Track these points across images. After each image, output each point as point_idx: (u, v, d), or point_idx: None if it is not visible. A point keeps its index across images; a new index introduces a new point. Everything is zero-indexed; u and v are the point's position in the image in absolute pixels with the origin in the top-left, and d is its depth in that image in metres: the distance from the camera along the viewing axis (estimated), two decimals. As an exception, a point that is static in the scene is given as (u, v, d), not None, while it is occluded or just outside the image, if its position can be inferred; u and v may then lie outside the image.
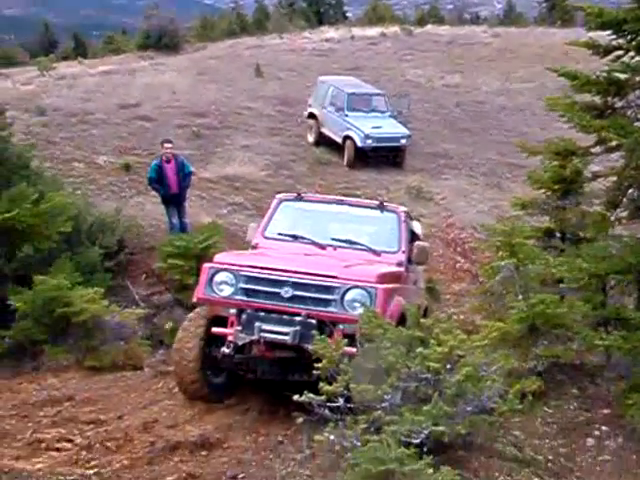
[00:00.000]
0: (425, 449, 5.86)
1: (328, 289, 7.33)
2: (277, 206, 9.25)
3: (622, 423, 7.47)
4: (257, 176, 18.83)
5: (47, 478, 6.28)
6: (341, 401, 6.46)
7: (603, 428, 7.46)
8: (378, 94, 21.77)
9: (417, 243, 9.09)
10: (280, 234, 8.86)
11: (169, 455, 6.84)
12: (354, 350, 6.71)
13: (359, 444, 6.18)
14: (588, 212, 11.64)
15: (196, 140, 19.79)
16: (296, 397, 6.46)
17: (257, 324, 7.30)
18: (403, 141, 20.42)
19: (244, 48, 30.05)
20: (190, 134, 19.92)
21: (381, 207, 9.27)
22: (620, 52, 8.56)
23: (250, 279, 7.51)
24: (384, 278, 7.74)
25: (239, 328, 7.39)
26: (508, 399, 6.55)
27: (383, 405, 6.31)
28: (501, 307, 9.10)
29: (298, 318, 7.26)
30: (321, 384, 6.41)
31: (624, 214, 9.22)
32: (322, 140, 21.22)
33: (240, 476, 6.43)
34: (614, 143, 8.48)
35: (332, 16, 43.16)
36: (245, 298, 7.48)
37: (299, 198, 9.39)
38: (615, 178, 8.98)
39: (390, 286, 7.70)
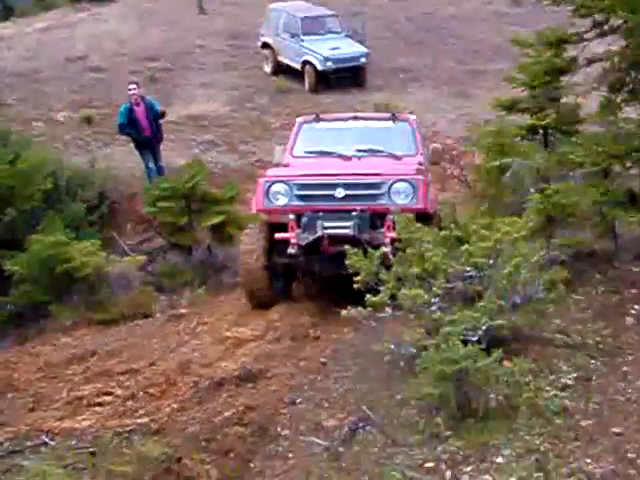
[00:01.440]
0: (483, 345, 5.75)
1: (376, 185, 8.37)
2: (299, 128, 10.04)
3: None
4: (221, 112, 18.36)
5: (103, 432, 6.07)
6: (389, 311, 6.33)
7: (636, 307, 7.45)
8: (331, 15, 21.23)
9: (431, 145, 10.16)
10: (307, 152, 9.66)
11: (216, 392, 6.71)
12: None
13: (414, 350, 6.10)
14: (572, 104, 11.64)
15: (153, 84, 19.08)
16: (344, 312, 6.37)
17: (319, 223, 8.13)
18: (362, 59, 20.01)
19: (180, -14, 28.97)
20: (145, 79, 19.12)
21: (393, 118, 10.15)
22: None
23: (304, 186, 8.46)
24: (421, 172, 8.83)
25: (300, 231, 8.24)
26: (555, 288, 6.48)
27: (432, 308, 6.19)
28: (513, 203, 8.99)
29: (354, 213, 8.13)
30: (367, 296, 6.27)
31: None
32: (280, 68, 20.71)
33: (298, 401, 6.29)
34: (611, 24, 8.33)
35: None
36: (302, 203, 8.40)
37: (318, 119, 10.16)
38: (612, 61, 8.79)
39: (427, 178, 8.87)
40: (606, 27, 8.47)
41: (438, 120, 18.12)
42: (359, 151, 9.44)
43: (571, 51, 9.47)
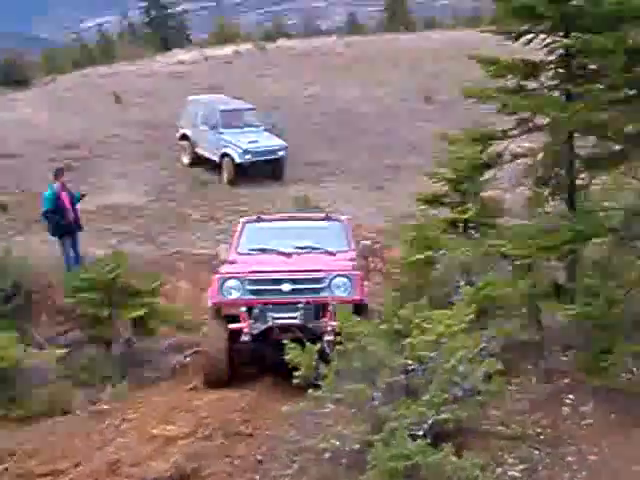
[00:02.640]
0: (429, 439, 5.67)
1: (319, 280, 9.36)
2: (243, 228, 11.02)
3: (586, 390, 7.60)
4: (139, 203, 18.18)
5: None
6: (331, 406, 6.19)
7: (570, 396, 7.58)
8: (249, 108, 21.52)
9: (362, 242, 11.24)
10: (251, 249, 10.56)
11: (149, 493, 6.32)
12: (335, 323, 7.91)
13: (357, 446, 5.96)
14: (492, 200, 12.00)
15: (70, 173, 18.68)
16: (284, 408, 6.25)
17: (269, 314, 9.15)
18: (281, 153, 20.26)
19: (97, 77, 28.96)
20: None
21: (327, 218, 11.38)
22: (530, 35, 8.70)
23: (254, 282, 9.41)
24: (355, 268, 9.87)
25: (252, 321, 9.17)
26: (493, 380, 6.49)
27: (374, 403, 6.10)
28: (443, 295, 9.06)
29: (299, 305, 9.13)
30: (309, 391, 6.14)
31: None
32: (198, 160, 20.73)
33: (238, 501, 6.01)
34: (535, 122, 8.69)
35: (176, 41, 42.54)
36: (253, 297, 9.34)
37: (259, 219, 11.28)
38: (535, 158, 9.13)
39: (361, 273, 9.81)
40: (530, 125, 8.78)
41: (357, 213, 18.31)
42: (297, 248, 10.35)
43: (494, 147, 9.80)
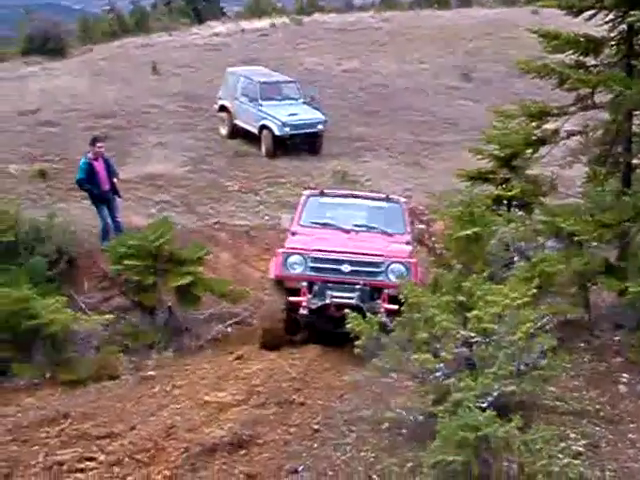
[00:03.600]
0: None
1: (376, 264, 9.79)
2: (306, 201, 11.37)
3: (639, 369, 7.54)
4: (178, 173, 18.14)
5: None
6: (394, 376, 6.17)
7: (625, 375, 7.53)
8: (290, 81, 21.38)
9: (416, 225, 11.83)
10: (312, 222, 10.98)
11: (209, 459, 6.39)
12: (396, 307, 8.22)
13: (421, 418, 5.94)
14: (540, 178, 11.87)
15: (108, 141, 18.72)
16: (348, 378, 6.23)
17: (328, 292, 9.60)
18: (320, 126, 20.13)
19: (134, 47, 28.96)
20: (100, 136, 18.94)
21: (387, 199, 11.58)
22: (593, 11, 8.56)
23: (317, 259, 9.81)
24: (412, 254, 10.39)
25: (310, 296, 9.64)
26: (558, 355, 6.43)
27: (437, 374, 6.06)
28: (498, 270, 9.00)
29: (357, 286, 9.58)
30: (373, 360, 6.12)
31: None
32: (236, 132, 20.64)
33: (300, 469, 6.02)
34: (594, 100, 8.57)
35: (209, 12, 42.36)
36: (314, 274, 9.77)
37: (322, 194, 11.56)
38: (591, 135, 9.01)
39: (416, 260, 10.21)
40: (589, 102, 8.65)
41: (395, 189, 18.22)
42: (356, 226, 10.84)
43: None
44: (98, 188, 13.54)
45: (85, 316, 10.20)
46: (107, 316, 10.39)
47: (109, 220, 13.67)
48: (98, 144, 13.63)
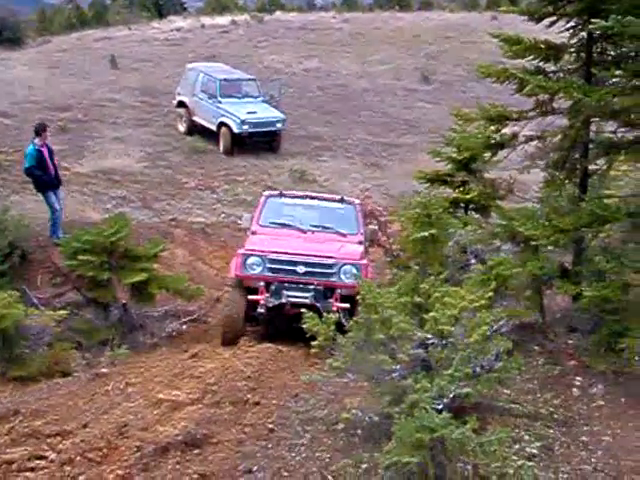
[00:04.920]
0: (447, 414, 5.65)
1: (330, 266, 10.35)
2: (265, 201, 11.82)
3: (593, 372, 7.66)
4: (135, 168, 18.00)
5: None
6: (350, 376, 6.16)
7: (578, 378, 7.62)
8: (250, 79, 21.33)
9: (369, 226, 12.32)
10: (271, 222, 11.45)
11: (162, 458, 6.31)
12: (347, 305, 9.81)
13: (376, 419, 5.94)
14: (497, 181, 11.97)
15: (63, 134, 18.66)
16: (303, 377, 6.21)
17: (284, 292, 10.18)
18: (279, 125, 20.12)
19: (92, 40, 28.63)
20: (56, 129, 18.68)
21: (342, 200, 12.01)
22: (554, 18, 8.65)
23: (274, 261, 10.35)
24: (363, 255, 10.91)
25: (268, 295, 10.18)
26: (513, 357, 6.48)
27: (394, 375, 6.07)
28: (454, 273, 9.06)
29: (311, 286, 10.20)
30: (328, 361, 6.11)
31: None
32: (194, 128, 20.54)
33: (254, 469, 5.98)
34: (553, 106, 8.66)
35: (170, 7, 42.06)
36: (271, 274, 10.32)
37: (281, 195, 12.04)
38: (549, 140, 9.09)
39: (367, 261, 10.82)
40: (548, 107, 8.74)
41: (353, 189, 18.28)
42: (312, 226, 11.38)
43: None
44: (48, 174, 13.53)
45: (38, 311, 10.03)
46: (60, 312, 10.21)
47: (57, 206, 13.57)
48: (46, 131, 13.67)
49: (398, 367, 6.06)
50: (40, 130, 13.72)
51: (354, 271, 10.16)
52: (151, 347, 10.94)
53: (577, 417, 6.68)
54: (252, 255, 10.46)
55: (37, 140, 13.55)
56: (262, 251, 10.50)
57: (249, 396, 7.71)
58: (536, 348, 8.39)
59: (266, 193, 12.31)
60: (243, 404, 7.50)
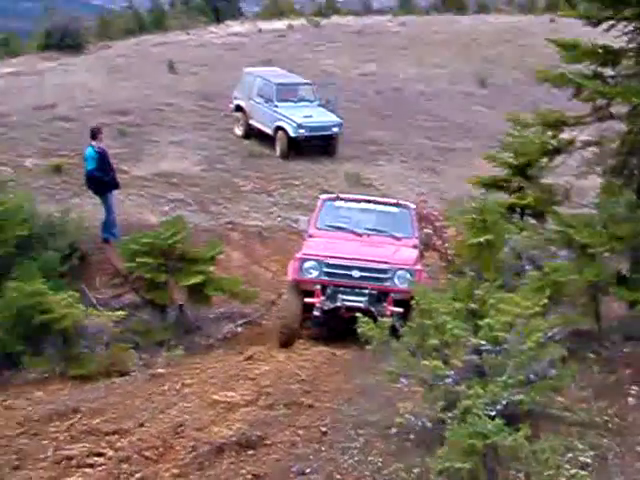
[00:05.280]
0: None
1: (384, 271, 10.58)
2: (322, 204, 12.10)
3: (651, 381, 7.53)
4: (192, 171, 18.19)
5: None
6: (404, 381, 6.19)
7: (634, 387, 7.51)
8: (306, 83, 21.40)
9: (424, 230, 12.53)
10: (328, 225, 11.75)
11: (216, 458, 6.43)
12: (401, 310, 9.87)
13: (430, 424, 5.95)
14: (554, 187, 11.85)
15: (123, 138, 18.97)
16: (357, 381, 6.26)
17: (340, 296, 10.44)
18: (335, 129, 20.13)
19: (151, 45, 29.14)
20: (115, 132, 19.04)
21: (397, 204, 12.21)
22: (612, 22, 8.56)
23: (330, 265, 10.62)
24: (417, 260, 11.13)
25: (324, 298, 10.48)
26: (568, 365, 6.43)
27: (447, 381, 6.08)
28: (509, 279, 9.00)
29: (366, 291, 10.44)
30: (380, 365, 6.15)
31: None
32: (251, 132, 20.67)
33: (307, 471, 6.04)
34: (611, 111, 8.57)
35: (228, 12, 42.50)
36: (327, 278, 10.60)
37: (337, 198, 12.28)
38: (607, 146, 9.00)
39: (421, 266, 11.09)
40: (606, 113, 8.65)
41: (409, 194, 18.24)
42: (368, 229, 11.64)
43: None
44: (109, 176, 13.90)
45: (96, 312, 10.26)
46: (118, 312, 10.44)
47: (115, 208, 13.95)
48: (101, 134, 14.01)
49: (452, 373, 6.07)
50: (96, 133, 14.04)
51: (408, 276, 10.38)
52: (207, 349, 11.13)
53: (632, 427, 6.59)
54: (309, 259, 10.74)
55: (94, 143, 13.86)
56: (319, 255, 10.76)
57: (303, 399, 7.78)
58: (591, 356, 8.30)
59: (323, 196, 12.57)
60: (297, 407, 7.57)
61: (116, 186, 14.22)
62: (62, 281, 11.48)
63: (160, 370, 9.40)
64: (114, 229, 13.85)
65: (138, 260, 11.22)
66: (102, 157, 13.81)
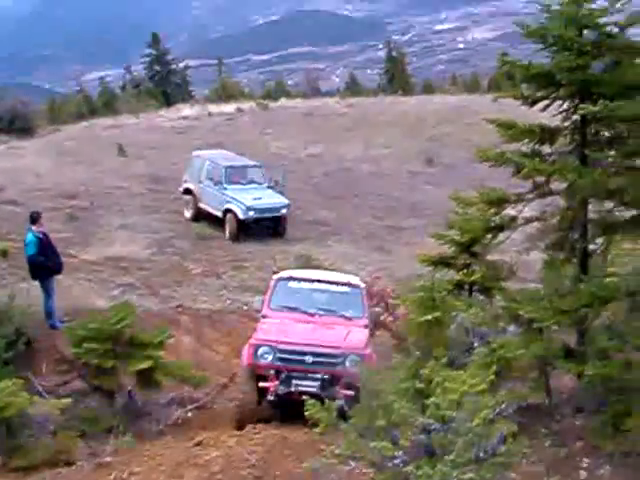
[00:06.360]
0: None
1: (336, 356, 10.85)
2: (276, 284, 12.23)
3: (601, 453, 7.58)
4: (142, 255, 18.14)
5: None
6: (352, 464, 6.12)
7: (585, 460, 7.55)
8: (254, 166, 21.67)
9: (374, 308, 12.86)
10: (281, 306, 11.92)
11: None
12: (352, 392, 9.54)
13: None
14: (499, 263, 12.04)
15: (71, 222, 18.93)
16: (307, 465, 6.17)
17: (293, 381, 10.67)
18: (284, 210, 20.35)
19: (101, 129, 29.33)
20: (64, 216, 19.02)
21: (348, 284, 12.38)
22: (547, 101, 8.88)
23: (283, 351, 10.84)
24: (368, 342, 11.37)
25: (277, 383, 10.65)
26: (519, 440, 6.42)
27: (396, 462, 6.02)
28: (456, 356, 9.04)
29: (318, 375, 10.68)
30: (330, 448, 6.08)
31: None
32: (200, 215, 20.80)
33: None
34: (550, 187, 8.82)
35: (178, 96, 43.10)
36: (281, 363, 10.79)
37: (291, 278, 12.42)
38: (548, 222, 9.22)
39: (370, 350, 11.16)
40: (545, 189, 8.89)
41: (359, 273, 18.31)
42: (320, 309, 11.84)
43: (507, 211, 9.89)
44: (52, 260, 13.76)
45: (42, 400, 10.01)
46: (64, 400, 10.20)
47: (54, 293, 13.80)
48: (41, 219, 13.93)
49: (400, 453, 6.02)
50: (36, 218, 13.97)
51: (359, 360, 10.52)
52: (156, 435, 10.88)
53: (585, 501, 6.59)
54: (263, 345, 10.91)
55: (34, 227, 13.78)
56: (272, 341, 10.94)
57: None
58: (542, 430, 8.34)
59: (276, 276, 12.68)
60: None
61: (59, 271, 14.06)
62: (7, 368, 11.22)
63: (107, 459, 9.19)
64: (54, 315, 13.66)
65: (85, 346, 11.04)
66: (42, 242, 13.68)
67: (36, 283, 14.48)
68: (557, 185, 9.03)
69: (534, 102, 9.03)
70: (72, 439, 9.83)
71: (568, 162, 8.34)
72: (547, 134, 8.83)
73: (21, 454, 9.09)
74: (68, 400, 10.26)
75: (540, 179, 8.87)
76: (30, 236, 13.73)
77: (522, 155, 8.88)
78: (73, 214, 19.46)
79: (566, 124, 8.90)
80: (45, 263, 13.69)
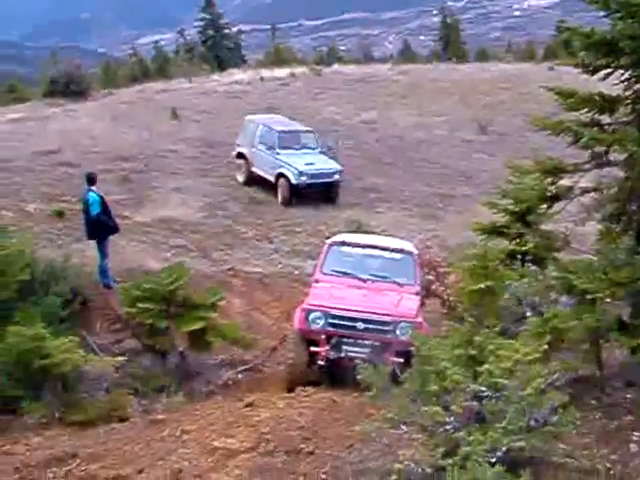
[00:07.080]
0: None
1: (387, 323, 10.81)
2: (328, 249, 12.18)
3: (651, 428, 7.48)
4: (194, 218, 18.33)
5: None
6: (404, 428, 6.17)
7: (636, 433, 7.46)
8: (307, 131, 21.64)
9: (426, 276, 12.76)
10: (333, 270, 11.86)
11: (217, 506, 6.33)
12: (402, 360, 9.74)
13: (429, 471, 5.92)
14: (553, 233, 11.90)
15: (126, 184, 19.17)
16: (357, 428, 6.23)
17: (344, 347, 10.76)
18: (336, 176, 20.32)
19: (154, 92, 29.47)
20: (118, 179, 19.26)
21: (401, 250, 12.29)
22: (608, 70, 8.68)
23: (335, 317, 10.81)
24: (419, 310, 11.31)
25: (328, 348, 10.74)
26: (568, 411, 6.40)
27: (447, 427, 6.06)
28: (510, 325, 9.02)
29: (368, 342, 10.72)
30: (381, 412, 6.14)
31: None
32: (253, 179, 20.87)
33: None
34: (609, 158, 8.65)
35: (231, 60, 43.12)
36: (332, 329, 10.81)
37: (343, 243, 12.29)
38: (605, 192, 9.07)
39: (421, 318, 11.10)
40: (604, 159, 8.73)
41: (408, 240, 18.28)
42: (372, 275, 11.77)
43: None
44: (113, 220, 14.13)
45: (96, 357, 10.25)
46: (118, 358, 10.45)
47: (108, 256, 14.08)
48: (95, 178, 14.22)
49: (452, 419, 6.06)
50: (94, 178, 14.17)
51: (409, 328, 10.51)
52: (207, 395, 11.11)
53: (635, 473, 6.54)
54: (315, 310, 10.88)
55: (95, 188, 13.98)
56: (324, 306, 10.90)
57: (303, 446, 7.73)
58: (593, 402, 8.25)
59: (329, 241, 12.60)
60: (297, 453, 7.52)
61: (118, 230, 14.30)
62: (64, 326, 11.48)
63: (160, 416, 9.37)
64: (109, 275, 13.91)
65: (139, 306, 11.27)
66: (105, 201, 13.92)
67: (91, 243, 14.78)
68: (615, 156, 8.85)
69: (595, 70, 8.82)
70: (125, 396, 10.04)
71: (628, 132, 8.16)
72: (607, 103, 8.64)
73: (77, 409, 9.31)
74: (122, 358, 10.51)
75: (599, 149, 8.70)
76: (94, 195, 13.95)
77: (581, 124, 8.72)
78: (127, 176, 19.69)
79: (627, 93, 8.70)
80: (107, 222, 13.92)
